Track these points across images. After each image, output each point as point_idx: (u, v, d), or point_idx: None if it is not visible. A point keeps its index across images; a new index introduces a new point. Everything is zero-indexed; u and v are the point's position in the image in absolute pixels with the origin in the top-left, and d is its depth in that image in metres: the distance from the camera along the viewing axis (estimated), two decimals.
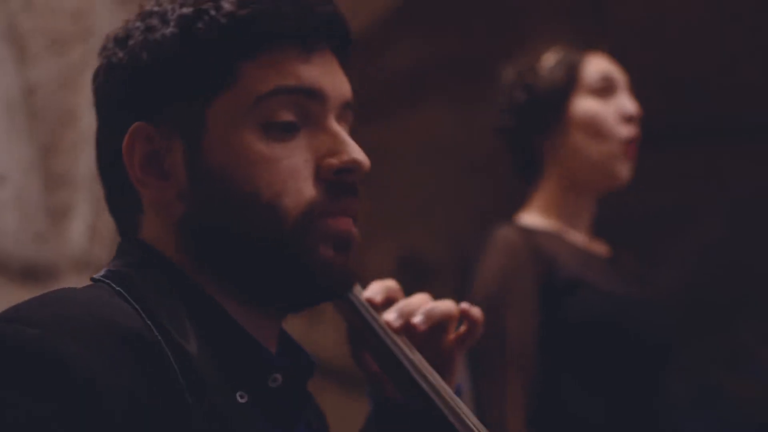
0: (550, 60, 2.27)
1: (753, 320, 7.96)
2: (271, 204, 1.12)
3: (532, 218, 2.23)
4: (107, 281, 1.16)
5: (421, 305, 1.26)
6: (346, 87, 1.21)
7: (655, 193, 7.26)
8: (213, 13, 1.15)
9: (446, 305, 1.28)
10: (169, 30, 1.15)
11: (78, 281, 4.78)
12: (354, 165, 1.16)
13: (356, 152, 1.16)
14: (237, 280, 1.16)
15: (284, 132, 1.14)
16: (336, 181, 1.16)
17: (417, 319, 1.24)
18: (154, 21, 1.18)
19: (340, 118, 1.19)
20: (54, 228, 4.94)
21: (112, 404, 0.95)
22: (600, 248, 2.27)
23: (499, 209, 7.46)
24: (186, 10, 1.16)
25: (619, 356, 2.08)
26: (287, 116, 1.15)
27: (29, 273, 4.83)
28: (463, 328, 1.31)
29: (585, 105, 2.22)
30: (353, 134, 1.19)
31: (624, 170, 2.20)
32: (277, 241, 1.13)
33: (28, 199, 4.96)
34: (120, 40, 1.21)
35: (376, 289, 1.24)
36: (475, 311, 1.29)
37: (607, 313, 2.09)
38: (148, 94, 1.15)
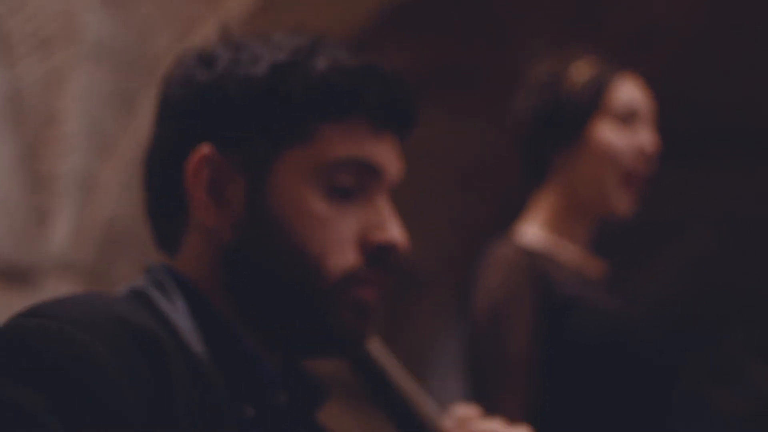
0: (580, 74, 2.21)
1: (741, 334, 7.99)
2: (316, 260, 1.18)
3: (530, 230, 2.19)
4: (128, 296, 1.19)
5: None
6: (402, 168, 1.28)
7: (646, 208, 7.26)
8: (306, 69, 1.20)
9: None
10: (260, 71, 1.21)
11: (61, 282, 4.77)
12: (395, 244, 1.22)
13: (399, 233, 1.23)
14: (259, 317, 1.21)
15: (342, 197, 1.20)
16: (376, 254, 1.22)
17: None
18: (246, 56, 1.22)
19: (388, 192, 1.26)
20: (37, 229, 4.93)
21: (125, 395, 0.99)
22: (596, 266, 2.24)
23: (491, 221, 7.49)
24: (281, 57, 1.22)
25: (624, 376, 2.05)
26: (348, 183, 1.20)
27: (12, 274, 4.84)
28: None
29: (605, 132, 2.17)
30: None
31: (626, 204, 2.17)
32: (311, 295, 1.19)
33: (11, 200, 4.95)
34: (205, 60, 1.24)
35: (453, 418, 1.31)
36: None
37: (608, 331, 2.06)
38: (225, 124, 1.20)
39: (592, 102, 2.17)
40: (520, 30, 6.01)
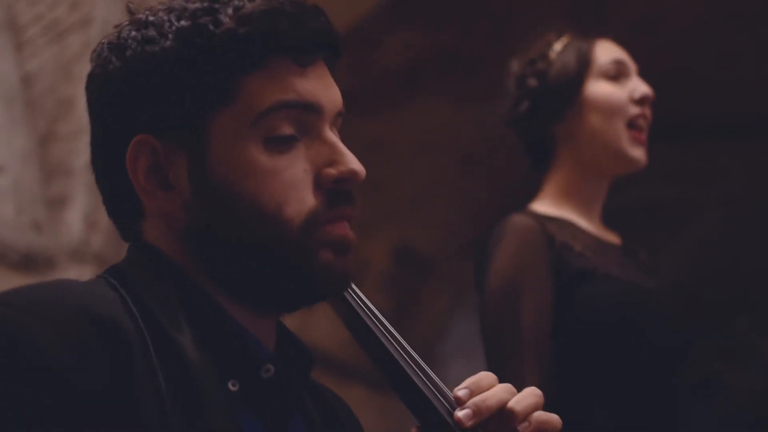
0: (560, 47, 2.28)
1: (752, 314, 7.98)
2: (274, 215, 1.15)
3: (545, 207, 2.22)
4: (105, 275, 1.18)
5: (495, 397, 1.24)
6: (338, 96, 1.24)
7: (655, 190, 7.27)
8: (211, 28, 1.16)
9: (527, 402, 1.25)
10: (167, 43, 1.17)
11: (75, 270, 4.78)
12: (351, 174, 1.19)
13: (353, 162, 1.20)
14: (238, 285, 1.19)
15: (284, 144, 1.17)
16: (334, 189, 1.19)
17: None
18: (151, 32, 1.18)
19: (332, 126, 1.22)
20: (51, 217, 4.95)
21: (70, 384, 0.99)
22: (612, 237, 2.27)
23: (494, 203, 7.49)
24: (184, 24, 1.17)
25: (637, 344, 2.07)
26: (287, 129, 1.17)
27: (27, 262, 4.84)
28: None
29: (599, 88, 2.22)
30: (345, 136, 1.23)
31: (638, 153, 2.21)
32: (281, 249, 1.16)
33: (25, 188, 4.96)
34: (115, 48, 1.20)
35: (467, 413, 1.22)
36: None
37: (623, 301, 2.08)
38: (149, 107, 1.17)
39: (581, 66, 2.23)
40: (523, 16, 6.00)
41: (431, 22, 6.13)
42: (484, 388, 1.21)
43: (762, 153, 7.26)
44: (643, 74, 2.30)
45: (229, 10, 1.17)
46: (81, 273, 4.70)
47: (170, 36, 1.17)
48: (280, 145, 1.17)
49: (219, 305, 1.17)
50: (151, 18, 1.20)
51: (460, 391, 1.20)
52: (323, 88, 1.21)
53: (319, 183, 1.18)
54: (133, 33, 1.20)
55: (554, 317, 2.08)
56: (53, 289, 1.08)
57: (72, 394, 0.98)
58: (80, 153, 4.92)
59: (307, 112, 1.19)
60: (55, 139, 5.07)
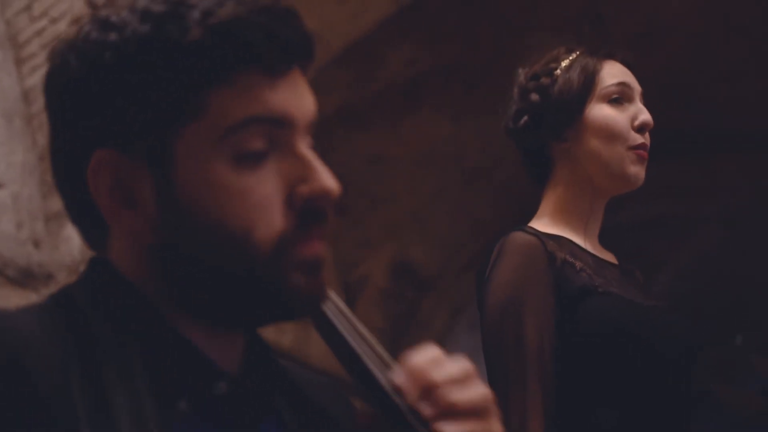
0: (567, 64, 2.27)
1: (750, 330, 7.97)
2: (242, 238, 1.09)
3: (543, 225, 2.22)
4: (52, 297, 1.14)
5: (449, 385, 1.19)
6: (311, 106, 1.16)
7: (654, 205, 7.26)
8: (177, 37, 1.09)
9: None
10: (129, 50, 1.10)
11: None
12: (324, 193, 1.12)
13: (326, 179, 1.13)
14: (202, 306, 1.14)
15: (254, 160, 1.10)
16: (306, 208, 1.12)
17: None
18: (113, 36, 1.11)
19: (305, 137, 1.16)
20: (50, 232, 4.94)
21: None
22: (609, 256, 2.26)
23: (495, 218, 7.49)
24: (147, 30, 1.10)
25: (640, 359, 2.06)
26: (257, 145, 1.10)
27: (26, 277, 4.84)
28: None
29: (600, 111, 2.22)
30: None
31: (637, 171, 2.20)
32: (249, 273, 1.11)
33: (25, 203, 4.96)
34: (75, 48, 1.13)
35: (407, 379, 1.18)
36: None
37: (626, 317, 2.07)
38: (109, 118, 1.10)
39: (584, 88, 2.22)
40: (523, 30, 6.01)
41: (433, 37, 6.13)
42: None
43: (762, 168, 7.26)
44: (642, 88, 2.29)
45: (196, 15, 1.10)
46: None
47: (132, 42, 1.10)
48: (250, 161, 1.10)
49: (170, 326, 1.12)
50: (113, 18, 1.13)
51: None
52: (295, 99, 1.14)
53: (291, 202, 1.12)
54: (94, 34, 1.12)
55: (557, 334, 2.07)
56: None
57: None
58: None
59: (278, 126, 1.12)
60: None
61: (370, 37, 5.71)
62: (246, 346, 1.21)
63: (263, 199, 1.10)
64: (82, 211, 1.16)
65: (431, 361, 1.14)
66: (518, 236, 2.13)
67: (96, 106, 1.10)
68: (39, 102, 5.22)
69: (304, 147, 1.14)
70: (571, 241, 2.19)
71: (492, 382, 2.07)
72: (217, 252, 1.10)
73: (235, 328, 1.19)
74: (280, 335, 5.79)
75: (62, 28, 5.24)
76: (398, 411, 1.15)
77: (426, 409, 1.13)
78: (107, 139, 1.10)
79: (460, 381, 1.13)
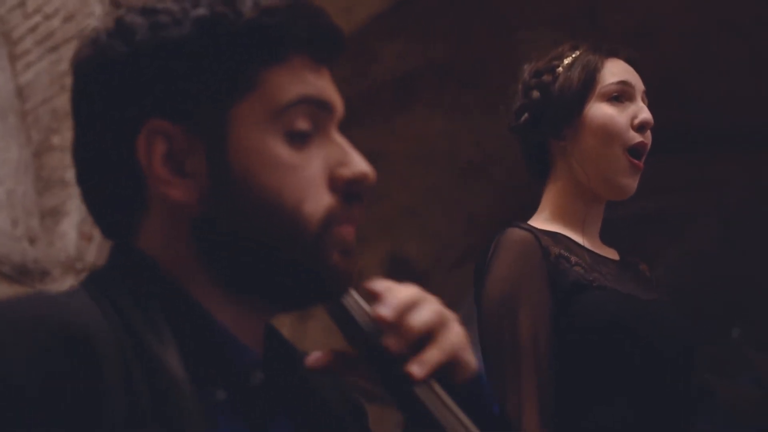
0: (570, 61, 2.27)
1: (747, 326, 7.98)
2: (294, 211, 1.13)
3: (540, 222, 2.22)
4: (85, 283, 1.14)
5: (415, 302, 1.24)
6: (341, 100, 1.22)
7: (652, 200, 7.27)
8: (232, 18, 1.14)
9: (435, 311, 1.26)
10: (185, 30, 1.13)
11: (70, 281, 4.77)
12: (363, 177, 1.18)
13: (364, 164, 1.19)
14: (242, 282, 1.16)
15: (302, 140, 1.15)
16: (346, 190, 1.18)
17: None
18: (164, 19, 1.15)
19: (337, 127, 1.21)
20: (46, 229, 4.94)
21: (22, 396, 0.95)
22: (610, 252, 2.26)
23: (490, 214, 7.49)
24: (202, 12, 1.14)
25: (634, 352, 2.06)
26: (305, 125, 1.16)
27: (21, 273, 4.84)
28: None
29: (599, 110, 2.21)
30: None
31: (628, 183, 2.20)
32: (296, 247, 1.14)
33: (20, 200, 4.96)
34: (119, 34, 1.15)
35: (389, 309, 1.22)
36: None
37: (620, 309, 2.07)
38: (164, 92, 1.13)
39: (585, 86, 2.22)
40: (517, 27, 6.00)
41: (427, 33, 6.13)
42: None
43: (759, 164, 7.27)
44: None
45: (248, 1, 1.15)
46: (75, 283, 4.68)
47: (187, 23, 1.14)
48: (299, 140, 1.15)
49: (206, 311, 1.14)
50: (159, 6, 1.17)
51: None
52: (332, 89, 1.21)
53: (333, 183, 1.17)
54: (140, 20, 1.16)
55: (552, 328, 2.08)
56: (23, 305, 1.04)
57: (32, 417, 0.95)
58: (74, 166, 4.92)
59: (323, 109, 1.18)
60: (49, 151, 5.07)
61: (363, 32, 5.71)
62: (266, 332, 1.23)
63: (312, 176, 1.15)
64: (117, 193, 1.17)
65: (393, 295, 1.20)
66: (513, 232, 2.14)
67: (148, 79, 1.13)
68: (33, 98, 5.22)
69: (340, 134, 1.20)
70: (567, 237, 2.20)
71: (488, 375, 2.08)
72: (266, 224, 1.13)
73: (273, 306, 1.20)
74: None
75: (56, 24, 5.24)
76: (417, 399, 1.18)
77: (393, 344, 1.18)
78: (160, 110, 1.13)
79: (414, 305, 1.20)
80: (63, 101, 5.05)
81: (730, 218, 8.02)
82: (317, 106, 1.17)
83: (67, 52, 5.12)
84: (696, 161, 7.36)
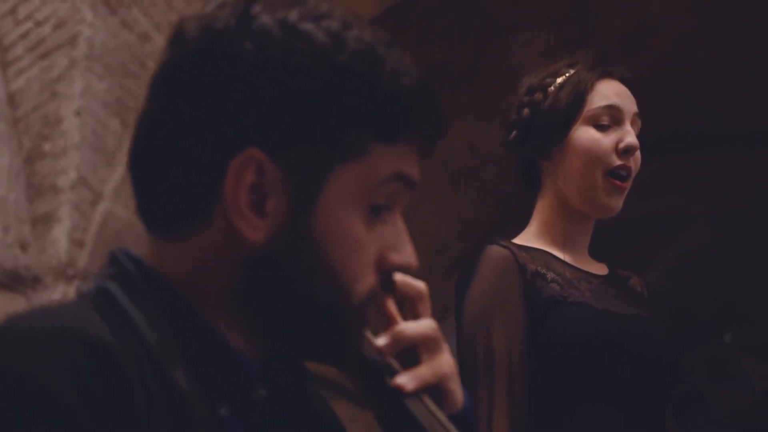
0: (562, 81, 2.27)
1: (738, 329, 7.99)
2: (348, 286, 1.13)
3: (524, 239, 2.25)
4: (91, 295, 1.11)
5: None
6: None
7: (642, 202, 7.28)
8: (374, 80, 1.11)
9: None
10: (325, 71, 1.08)
11: (61, 288, 4.77)
12: (409, 268, 1.20)
13: (413, 256, 1.20)
14: (269, 328, 1.15)
15: (376, 215, 1.15)
16: (388, 276, 1.18)
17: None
18: (301, 44, 1.08)
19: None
20: (37, 236, 4.93)
21: (60, 409, 0.92)
22: (597, 268, 2.27)
23: (482, 220, 7.48)
24: (344, 59, 1.09)
25: (611, 372, 2.07)
26: (387, 201, 1.15)
27: (13, 280, 4.83)
28: None
29: (585, 134, 2.22)
30: None
31: (609, 201, 2.21)
32: (338, 314, 1.14)
33: (11, 207, 4.95)
34: (252, 32, 1.08)
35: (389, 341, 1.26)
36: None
37: (591, 325, 2.08)
38: (278, 120, 1.08)
39: (573, 108, 2.23)
40: (509, 30, 6.01)
41: (419, 37, 6.13)
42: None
43: (754, 165, 7.29)
44: (631, 87, 2.29)
45: (392, 68, 1.12)
46: (67, 291, 4.68)
47: (328, 64, 1.08)
48: (375, 214, 1.14)
49: (211, 328, 1.12)
50: (301, 26, 1.10)
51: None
52: (418, 169, 1.19)
53: (381, 263, 1.16)
54: (280, 33, 1.09)
55: (526, 344, 2.11)
56: (46, 319, 1.02)
57: (63, 417, 0.92)
58: (67, 171, 4.91)
59: (406, 189, 1.18)
60: (41, 157, 5.06)
61: None
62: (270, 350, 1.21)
63: (371, 255, 1.14)
64: (187, 201, 1.12)
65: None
66: (492, 249, 2.17)
67: (267, 104, 1.08)
68: (25, 105, 5.21)
69: (401, 217, 1.20)
70: (549, 254, 2.21)
71: (464, 386, 2.10)
72: (319, 290, 1.12)
73: (284, 352, 1.19)
74: None
75: (47, 31, 5.23)
76: (404, 409, 1.19)
77: (384, 345, 1.23)
78: (265, 141, 1.08)
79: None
80: (55, 108, 5.04)
81: (725, 220, 8.03)
82: (405, 185, 1.17)
83: (59, 59, 5.12)
84: (691, 163, 7.37)
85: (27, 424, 0.91)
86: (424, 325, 1.28)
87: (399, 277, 1.25)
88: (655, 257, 8.19)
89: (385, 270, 1.16)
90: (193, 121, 1.09)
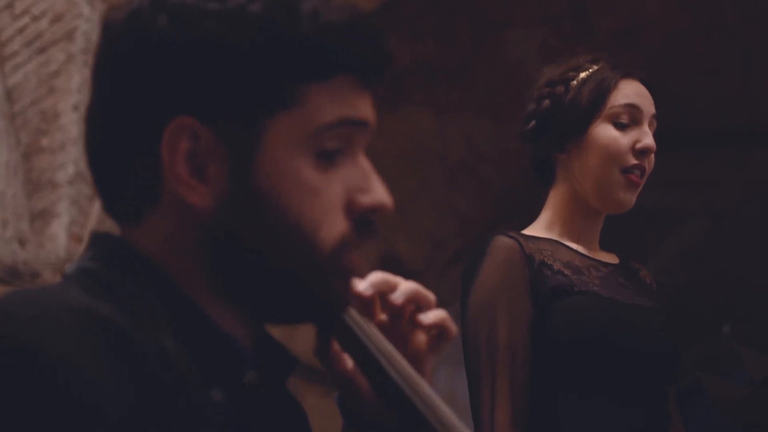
0: (585, 76, 2.27)
1: (737, 323, 7.99)
2: (310, 236, 1.09)
3: (534, 229, 2.25)
4: (73, 276, 1.10)
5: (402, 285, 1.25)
6: (376, 121, 1.17)
7: (641, 198, 7.27)
8: (291, 26, 1.08)
9: (425, 293, 1.27)
10: (237, 25, 1.07)
11: None
12: (382, 207, 1.15)
13: (384, 193, 1.15)
14: (243, 296, 1.13)
15: (330, 160, 1.11)
16: (362, 218, 1.14)
17: (395, 296, 1.23)
18: (214, 6, 1.08)
19: (364, 148, 1.19)
20: (36, 231, 4.94)
21: (77, 384, 0.91)
22: (607, 257, 2.28)
23: (481, 214, 7.49)
24: (257, 9, 1.07)
25: (615, 362, 2.08)
26: (336, 145, 1.11)
27: (11, 275, 4.83)
28: (434, 332, 1.27)
29: (604, 131, 2.23)
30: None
31: (625, 197, 2.22)
32: (305, 271, 1.10)
33: (9, 202, 4.95)
34: (165, 8, 1.08)
35: (367, 284, 1.21)
36: (451, 325, 1.27)
37: (596, 313, 2.09)
38: (201, 87, 1.07)
39: (594, 106, 2.24)
40: (503, 26, 6.01)
41: (413, 33, 6.13)
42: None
43: (747, 162, 7.30)
44: None
45: (307, 9, 1.09)
46: (62, 279, 4.68)
47: (239, 17, 1.07)
48: (328, 159, 1.11)
49: (200, 309, 1.10)
50: None
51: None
52: (373, 110, 1.16)
53: (350, 208, 1.13)
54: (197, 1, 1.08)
55: (531, 334, 2.11)
56: (42, 294, 1.01)
57: (96, 402, 0.91)
58: (65, 166, 4.92)
59: (358, 128, 1.13)
60: (39, 152, 5.06)
61: None
62: (258, 335, 1.20)
63: (331, 200, 1.11)
64: (131, 177, 1.11)
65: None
66: (499, 240, 2.17)
67: (188, 70, 1.07)
68: (22, 100, 5.21)
69: (365, 156, 1.16)
70: (559, 243, 2.22)
71: (468, 378, 2.12)
72: (280, 245, 1.09)
73: (266, 321, 1.18)
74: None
75: (44, 25, 5.23)
76: (423, 419, 1.17)
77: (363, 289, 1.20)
78: (193, 107, 1.08)
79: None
80: (52, 103, 5.04)
81: (721, 216, 8.04)
82: (355, 126, 1.13)
83: (56, 53, 5.12)
84: (687, 160, 7.37)
85: (42, 400, 0.89)
86: (412, 285, 1.25)
87: (409, 286, 1.23)
88: (653, 253, 8.20)
89: (356, 214, 1.13)
90: (126, 105, 1.09)
